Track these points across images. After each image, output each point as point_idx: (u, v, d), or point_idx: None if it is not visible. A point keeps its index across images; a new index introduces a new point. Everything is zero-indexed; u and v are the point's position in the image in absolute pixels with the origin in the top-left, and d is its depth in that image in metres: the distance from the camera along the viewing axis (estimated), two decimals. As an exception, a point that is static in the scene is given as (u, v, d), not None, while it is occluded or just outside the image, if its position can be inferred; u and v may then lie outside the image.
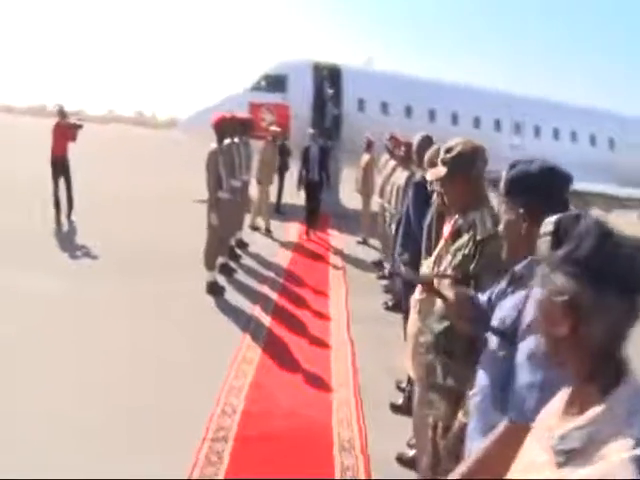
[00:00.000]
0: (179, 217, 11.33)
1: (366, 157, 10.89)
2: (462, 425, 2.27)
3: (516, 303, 1.73)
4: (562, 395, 1.19)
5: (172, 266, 7.90)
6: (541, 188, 1.75)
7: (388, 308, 7.12)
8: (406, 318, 4.57)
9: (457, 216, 2.59)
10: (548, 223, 1.15)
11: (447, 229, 2.99)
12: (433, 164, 3.84)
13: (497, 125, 16.39)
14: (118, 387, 4.43)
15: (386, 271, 7.78)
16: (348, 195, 14.42)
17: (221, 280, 7.30)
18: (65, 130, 10.26)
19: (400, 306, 7.03)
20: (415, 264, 4.39)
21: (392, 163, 8.30)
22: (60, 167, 10.23)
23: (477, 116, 16.08)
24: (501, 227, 1.91)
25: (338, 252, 10.27)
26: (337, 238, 11.48)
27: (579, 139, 17.54)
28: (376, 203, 10.11)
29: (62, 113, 10.45)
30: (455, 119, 15.83)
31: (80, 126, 10.57)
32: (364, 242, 11.08)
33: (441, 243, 2.98)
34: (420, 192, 4.46)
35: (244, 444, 3.83)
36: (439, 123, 15.40)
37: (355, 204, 13.01)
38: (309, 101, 14.48)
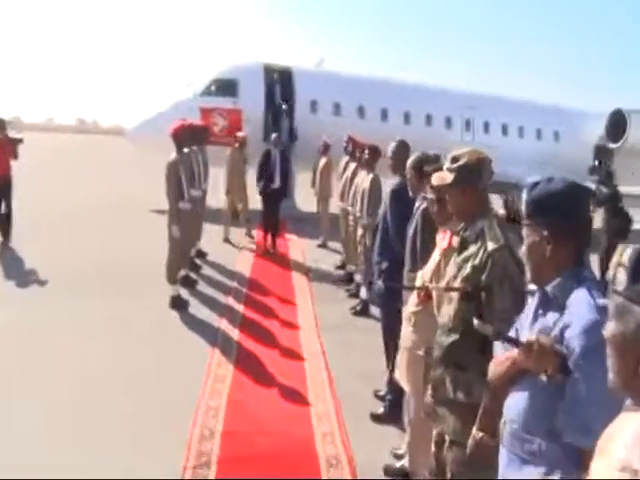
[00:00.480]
0: (132, 229, 10.97)
1: (323, 160, 10.80)
2: (479, 441, 2.19)
3: (548, 326, 1.65)
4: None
5: (128, 282, 7.59)
6: (566, 208, 1.67)
7: (356, 313, 7.05)
8: (388, 327, 4.51)
9: (461, 226, 2.50)
10: (625, 254, 1.07)
11: (443, 239, 2.91)
12: (418, 171, 3.77)
13: (448, 122, 16.58)
14: (82, 415, 4.18)
15: (358, 278, 7.67)
16: (303, 199, 14.28)
17: (184, 293, 7.07)
18: (4, 145, 9.20)
19: (367, 311, 7.01)
20: (393, 273, 4.32)
21: (352, 166, 8.23)
22: (2, 188, 9.22)
23: (429, 114, 16.22)
24: (523, 249, 1.81)
25: (299, 257, 10.14)
26: (296, 243, 11.33)
27: (526, 134, 17.95)
28: (335, 206, 10.06)
29: (1, 125, 9.27)
30: (407, 118, 15.92)
31: (20, 140, 9.61)
32: (324, 245, 10.97)
33: (437, 253, 2.91)
34: (399, 200, 4.38)
35: (228, 468, 3.67)
36: (391, 122, 15.46)
37: (311, 207, 12.89)
38: (261, 105, 14.27)
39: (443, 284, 2.81)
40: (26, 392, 4.50)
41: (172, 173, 6.49)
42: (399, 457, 3.85)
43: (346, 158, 8.96)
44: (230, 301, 7.18)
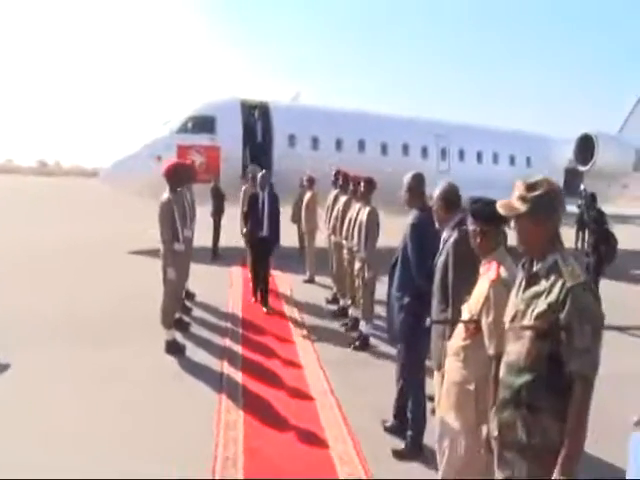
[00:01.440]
0: (110, 271, 10.69)
1: (308, 194, 10.74)
2: None
3: None
4: None
5: (114, 328, 7.29)
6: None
7: (356, 348, 6.91)
8: (408, 363, 4.39)
9: (525, 259, 2.39)
10: None
11: (489, 269, 2.82)
12: (447, 201, 3.72)
13: (424, 152, 16.77)
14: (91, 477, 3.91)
15: (354, 312, 7.54)
16: (282, 233, 14.12)
17: (178, 337, 6.82)
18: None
19: (367, 345, 6.87)
20: (415, 307, 4.23)
21: (343, 199, 8.18)
22: None
23: (405, 144, 16.38)
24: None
25: (287, 293, 9.95)
26: (282, 279, 11.13)
27: (500, 160, 18.28)
28: (321, 240, 9.96)
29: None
30: (384, 149, 16.05)
31: None
32: (311, 281, 10.82)
33: (484, 285, 2.80)
34: (420, 233, 4.32)
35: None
36: (369, 154, 15.58)
37: (290, 242, 12.74)
38: (239, 141, 14.21)
39: (492, 316, 2.72)
40: (25, 447, 4.20)
41: (166, 213, 6.31)
42: None
43: (335, 191, 8.91)
44: (227, 343, 6.95)
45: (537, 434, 2.22)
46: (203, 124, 13.88)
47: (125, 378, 5.67)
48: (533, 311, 2.23)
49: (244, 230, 9.14)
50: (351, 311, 7.83)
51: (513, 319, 2.34)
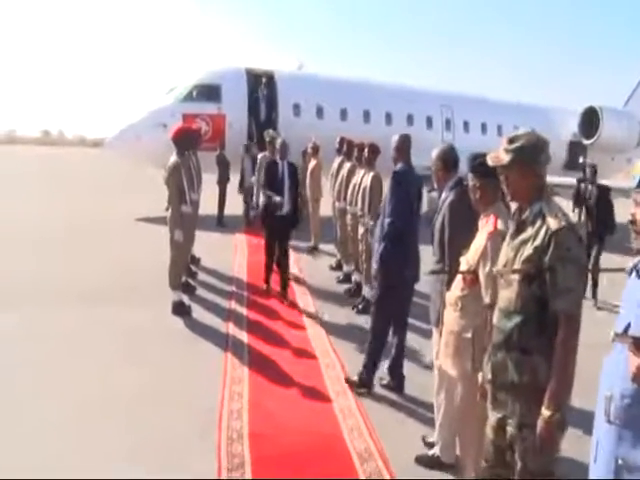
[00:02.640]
0: (118, 238, 10.83)
1: (313, 162, 10.79)
2: (549, 420, 2.20)
3: None
4: None
5: (123, 290, 7.46)
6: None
7: (359, 312, 7.05)
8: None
9: (516, 207, 2.51)
10: None
11: (487, 222, 2.93)
12: (445, 162, 3.82)
13: (429, 122, 16.75)
14: (105, 425, 4.08)
15: (357, 277, 7.71)
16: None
17: (185, 300, 6.96)
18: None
19: (370, 309, 7.01)
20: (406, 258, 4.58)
21: (347, 165, 8.25)
22: None
23: (410, 114, 16.36)
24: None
25: (291, 258, 10.07)
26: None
27: (504, 131, 18.21)
28: (326, 208, 10.06)
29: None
30: (389, 119, 16.04)
31: None
32: (315, 249, 10.92)
33: (482, 237, 2.92)
34: (398, 180, 4.78)
35: (263, 468, 3.61)
36: (373, 123, 15.57)
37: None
38: (244, 109, 14.21)
39: (489, 267, 2.84)
40: (41, 400, 4.38)
41: (174, 177, 6.39)
42: (430, 445, 3.86)
43: (339, 158, 8.97)
44: (233, 305, 7.11)
45: (527, 374, 2.33)
46: (208, 92, 13.88)
47: (134, 337, 5.83)
48: (521, 256, 2.35)
49: (255, 202, 8.92)
50: (354, 276, 7.97)
51: (504, 267, 2.45)
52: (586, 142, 18.75)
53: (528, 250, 2.32)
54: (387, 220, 4.64)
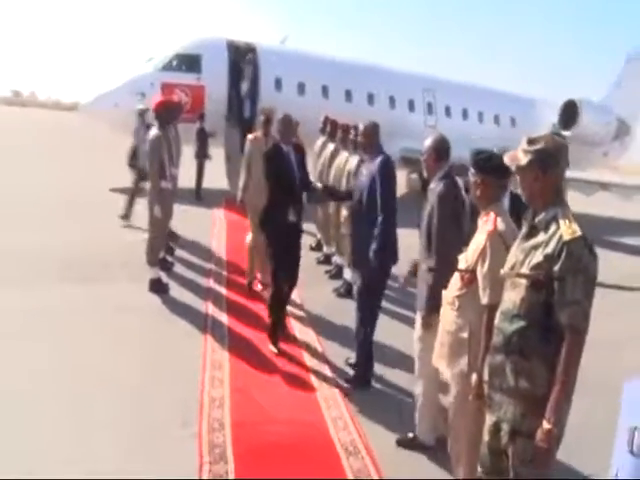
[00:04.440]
0: (90, 210, 10.47)
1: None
2: (548, 434, 2.15)
3: None
4: None
5: (98, 266, 7.19)
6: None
7: (340, 295, 6.97)
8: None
9: (529, 211, 2.42)
10: None
11: (487, 222, 2.86)
12: (438, 152, 3.74)
13: (411, 105, 16.62)
14: (81, 412, 3.91)
15: (338, 259, 7.60)
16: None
17: (162, 277, 6.76)
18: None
19: (351, 293, 6.90)
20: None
21: (331, 146, 8.06)
22: None
23: (392, 96, 16.19)
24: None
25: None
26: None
27: (485, 119, 18.24)
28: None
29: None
30: (371, 99, 15.85)
31: None
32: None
33: (481, 236, 2.84)
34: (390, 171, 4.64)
35: (245, 460, 3.50)
36: (355, 103, 15.35)
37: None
38: (225, 81, 13.83)
39: (487, 266, 2.76)
40: (23, 382, 4.18)
41: (155, 150, 6.15)
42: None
43: (322, 138, 8.76)
44: (212, 284, 6.94)
45: (525, 379, 2.29)
46: (189, 62, 13.47)
47: (110, 316, 5.62)
48: (530, 262, 2.29)
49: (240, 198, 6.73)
50: (335, 258, 7.85)
51: (512, 268, 2.39)
52: (565, 133, 18.90)
53: (538, 256, 2.26)
54: (381, 216, 4.46)
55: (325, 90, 15.20)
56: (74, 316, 5.55)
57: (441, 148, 3.78)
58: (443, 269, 3.36)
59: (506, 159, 2.42)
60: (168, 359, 4.82)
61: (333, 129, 8.18)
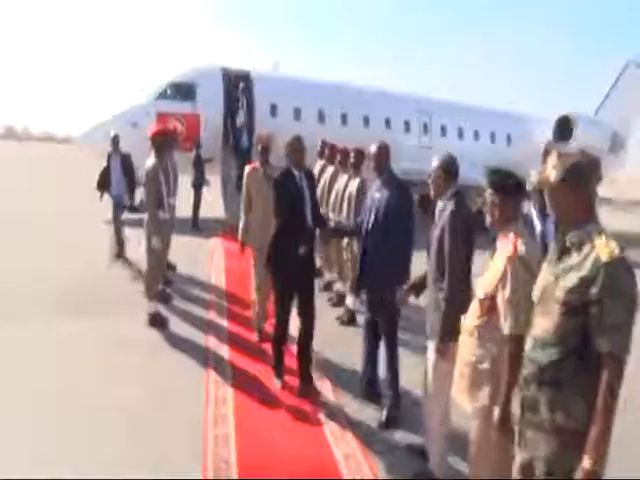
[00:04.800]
0: (86, 242, 10.35)
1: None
2: (588, 471, 2.00)
3: None
4: None
5: (96, 301, 7.04)
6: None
7: (343, 323, 6.82)
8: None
9: (561, 230, 2.29)
10: None
11: (506, 244, 2.72)
12: (446, 172, 3.67)
13: (407, 126, 16.64)
14: (81, 457, 3.74)
15: (339, 286, 7.45)
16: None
17: (161, 310, 6.59)
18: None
19: (354, 320, 6.77)
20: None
21: (330, 170, 7.99)
22: None
23: (387, 118, 16.22)
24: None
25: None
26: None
27: (481, 137, 18.26)
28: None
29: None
30: (367, 122, 15.87)
31: None
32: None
33: (499, 260, 2.70)
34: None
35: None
36: (351, 126, 15.37)
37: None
38: (221, 109, 13.84)
39: (508, 293, 2.62)
40: (23, 421, 4.01)
41: (152, 180, 6.04)
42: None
43: (321, 162, 8.70)
44: (212, 316, 6.78)
45: (561, 413, 2.13)
46: (183, 91, 13.49)
47: (108, 352, 5.47)
48: (564, 285, 2.13)
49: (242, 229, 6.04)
50: (337, 285, 7.71)
51: (543, 292, 2.24)
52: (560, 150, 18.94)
53: (572, 279, 2.11)
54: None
55: (321, 114, 15.22)
56: (70, 351, 5.41)
57: (450, 168, 3.71)
58: (457, 294, 3.24)
59: (534, 178, 2.30)
60: (169, 395, 4.65)
61: (332, 153, 8.13)
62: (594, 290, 2.04)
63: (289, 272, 4.76)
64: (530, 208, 4.59)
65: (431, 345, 3.63)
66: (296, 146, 4.94)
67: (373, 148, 4.82)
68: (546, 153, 16.57)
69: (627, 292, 2.03)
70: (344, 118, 15.55)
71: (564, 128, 18.94)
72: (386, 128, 16.07)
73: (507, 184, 2.80)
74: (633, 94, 22.46)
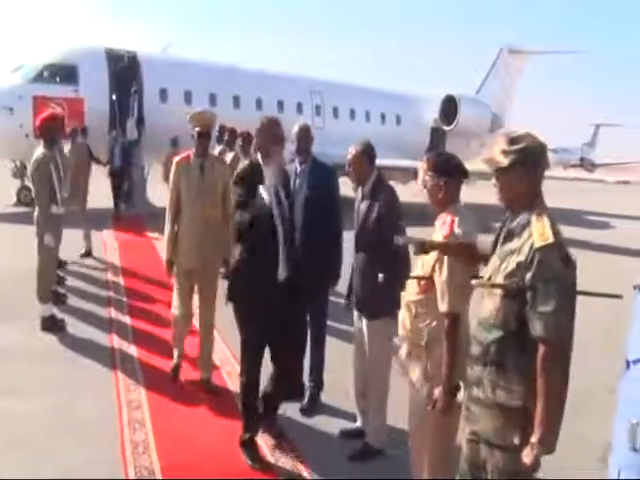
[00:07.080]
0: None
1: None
2: (531, 446, 2.07)
3: None
4: None
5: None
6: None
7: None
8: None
9: (507, 214, 2.30)
10: None
11: (444, 223, 2.75)
12: (369, 156, 3.74)
13: (299, 108, 16.60)
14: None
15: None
16: (155, 193, 13.30)
17: (56, 312, 6.08)
18: None
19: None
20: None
21: (230, 155, 7.79)
22: None
23: (280, 100, 16.07)
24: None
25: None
26: (162, 242, 10.48)
27: (371, 118, 18.63)
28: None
29: None
30: (259, 104, 15.64)
31: None
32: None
33: (439, 239, 2.71)
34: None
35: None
36: (244, 109, 15.08)
37: (161, 203, 12.05)
38: (106, 93, 13.01)
39: (445, 273, 2.66)
40: None
41: (43, 173, 5.55)
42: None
43: (219, 147, 8.46)
44: (114, 314, 6.40)
45: (503, 391, 2.19)
46: (63, 73, 12.51)
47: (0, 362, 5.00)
48: (505, 269, 2.17)
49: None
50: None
51: (489, 276, 2.27)
52: (446, 128, 19.76)
53: (512, 264, 2.14)
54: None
55: (213, 98, 14.78)
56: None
57: (373, 153, 3.82)
58: (400, 274, 3.25)
59: (485, 163, 2.27)
60: (77, 406, 4.31)
61: (231, 138, 7.93)
62: (528, 275, 2.07)
63: (263, 308, 3.51)
64: None
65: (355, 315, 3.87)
66: (268, 130, 3.65)
67: (296, 128, 4.64)
68: (433, 132, 17.25)
69: (560, 276, 2.05)
70: (236, 101, 15.22)
71: (449, 107, 19.76)
72: (279, 110, 15.91)
73: (450, 166, 2.85)
74: (506, 77, 23.94)
